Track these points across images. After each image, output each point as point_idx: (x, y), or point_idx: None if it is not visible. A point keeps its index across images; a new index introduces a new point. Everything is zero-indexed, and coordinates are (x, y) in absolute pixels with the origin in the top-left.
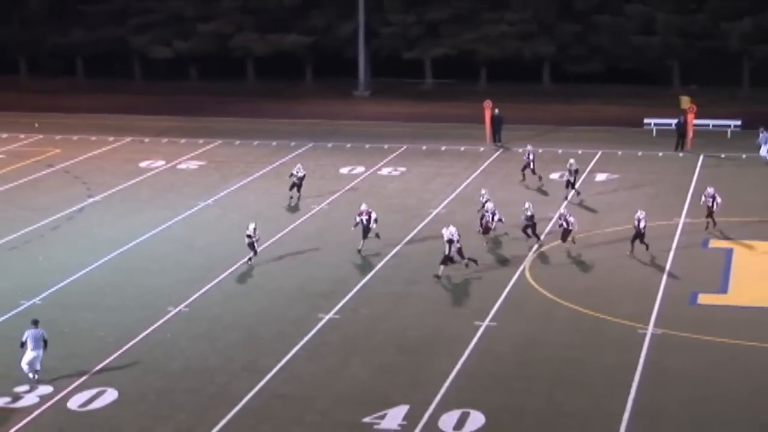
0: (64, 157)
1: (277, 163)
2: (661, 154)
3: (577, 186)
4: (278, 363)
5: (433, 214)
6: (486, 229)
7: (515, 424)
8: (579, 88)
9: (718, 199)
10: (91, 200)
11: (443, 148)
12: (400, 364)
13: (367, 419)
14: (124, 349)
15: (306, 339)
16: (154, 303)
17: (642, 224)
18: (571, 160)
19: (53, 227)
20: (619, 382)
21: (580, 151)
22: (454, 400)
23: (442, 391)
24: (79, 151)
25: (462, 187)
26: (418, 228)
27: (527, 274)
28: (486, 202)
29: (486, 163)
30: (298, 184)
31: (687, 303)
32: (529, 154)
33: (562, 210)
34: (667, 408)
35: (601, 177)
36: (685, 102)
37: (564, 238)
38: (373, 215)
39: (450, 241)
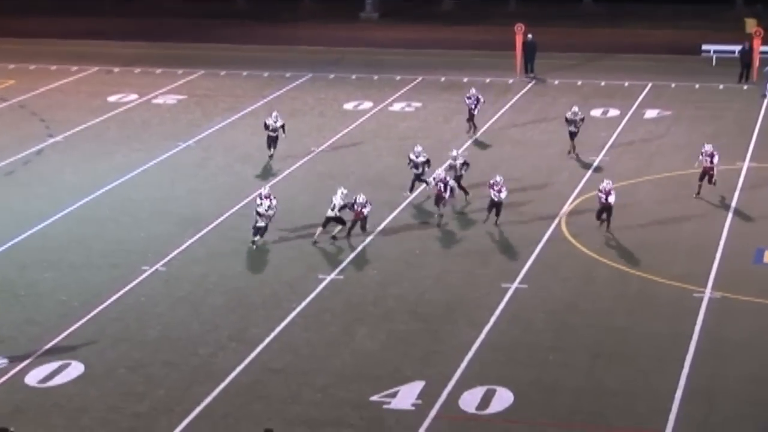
0: (19, 90)
1: (270, 97)
2: (721, 86)
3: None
4: (271, 332)
5: (455, 153)
6: (438, 198)
7: (548, 403)
8: (626, 8)
9: (716, 159)
10: (51, 140)
11: (465, 79)
12: (414, 333)
13: (375, 398)
14: (90, 315)
15: (304, 304)
16: (126, 261)
17: (714, 160)
18: (575, 108)
19: (7, 172)
20: (670, 355)
21: (626, 83)
22: (477, 375)
23: (463, 365)
24: (36, 82)
25: (487, 125)
26: (435, 173)
27: (563, 228)
28: (460, 165)
29: (516, 98)
30: (273, 138)
31: (751, 262)
32: (472, 99)
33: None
34: (727, 385)
35: (650, 114)
36: (751, 25)
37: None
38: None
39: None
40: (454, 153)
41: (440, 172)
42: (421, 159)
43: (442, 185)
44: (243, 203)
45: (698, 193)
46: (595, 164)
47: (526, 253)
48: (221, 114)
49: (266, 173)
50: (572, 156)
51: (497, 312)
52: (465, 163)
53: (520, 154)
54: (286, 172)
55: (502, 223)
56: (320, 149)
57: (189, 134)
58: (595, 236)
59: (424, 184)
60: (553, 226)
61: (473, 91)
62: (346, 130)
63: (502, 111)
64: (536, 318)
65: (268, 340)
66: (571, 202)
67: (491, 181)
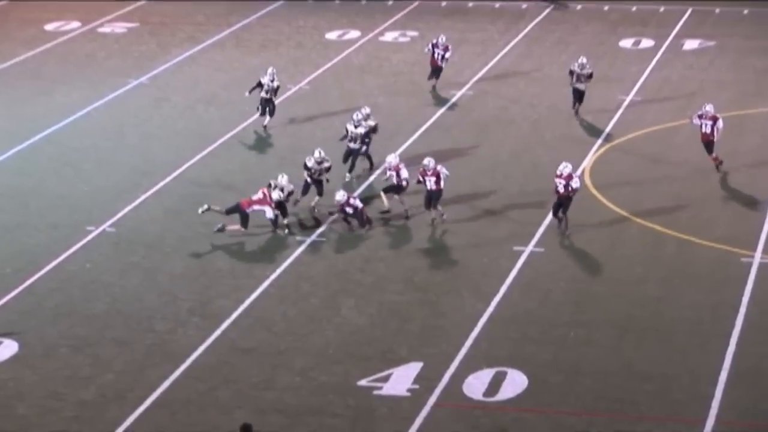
0: None
1: (237, 26)
2: None
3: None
4: (240, 304)
5: (456, 98)
6: (397, 188)
7: (568, 388)
8: None
9: (720, 124)
10: None
11: (470, 4)
12: (410, 306)
13: (363, 382)
14: (26, 284)
15: (279, 272)
16: (68, 220)
17: (718, 125)
18: (583, 59)
19: None
20: (713, 330)
21: (662, 8)
22: (484, 355)
23: (468, 343)
24: None
25: (497, 59)
26: (435, 118)
27: (587, 181)
28: (364, 132)
29: (530, 26)
30: (267, 101)
31: None
32: (435, 48)
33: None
34: None
35: (690, 45)
36: None
37: None
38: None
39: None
40: (364, 113)
41: (393, 158)
42: (361, 129)
43: (394, 174)
44: (206, 151)
45: (718, 168)
46: (625, 104)
47: (542, 211)
48: (180, 45)
49: (234, 117)
50: (577, 119)
51: (508, 280)
52: (373, 129)
53: (535, 92)
54: (257, 115)
55: (515, 181)
56: (297, 87)
57: (141, 70)
58: (625, 190)
59: (368, 164)
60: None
61: (443, 38)
62: (328, 65)
63: (514, 42)
64: (554, 287)
65: (236, 314)
66: (596, 150)
67: (422, 167)
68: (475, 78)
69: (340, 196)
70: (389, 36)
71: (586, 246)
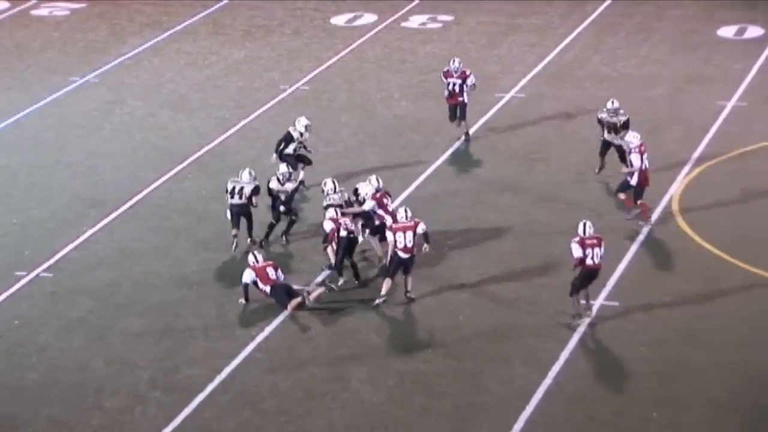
0: None
1: (215, 7)
2: None
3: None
4: (216, 374)
5: (503, 102)
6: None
7: None
8: None
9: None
10: None
11: None
12: (442, 377)
13: None
14: None
15: (269, 329)
16: None
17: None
18: (614, 102)
19: None
20: None
21: None
22: None
23: (519, 426)
24: None
25: (556, 51)
26: (475, 128)
27: (676, 212)
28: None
29: (601, 8)
30: (300, 157)
31: None
32: (449, 77)
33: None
34: None
35: None
36: None
37: None
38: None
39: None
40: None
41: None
42: (289, 186)
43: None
44: (173, 172)
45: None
46: (726, 112)
47: (617, 252)
48: (139, 33)
49: (208, 127)
50: (599, 175)
51: (571, 344)
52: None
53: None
54: (242, 123)
55: (576, 205)
56: (294, 88)
57: (88, 65)
58: (725, 225)
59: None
60: (660, 208)
61: (456, 63)
62: (334, 59)
63: (579, 29)
64: (632, 354)
65: (211, 387)
66: (688, 172)
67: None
68: (528, 76)
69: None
70: (415, 21)
71: (674, 299)
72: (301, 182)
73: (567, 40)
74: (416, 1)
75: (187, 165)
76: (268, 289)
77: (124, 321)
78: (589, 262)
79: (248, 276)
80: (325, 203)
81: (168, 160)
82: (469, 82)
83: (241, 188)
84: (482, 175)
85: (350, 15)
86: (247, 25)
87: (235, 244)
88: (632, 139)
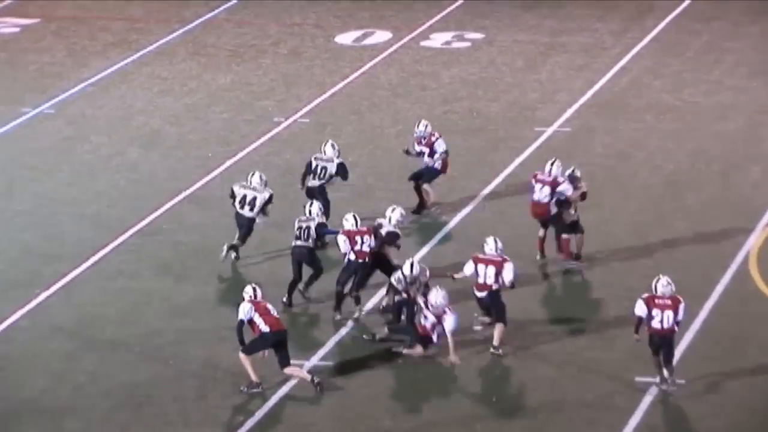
0: None
1: (195, 23)
2: None
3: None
4: None
5: (546, 136)
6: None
7: None
8: None
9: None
10: None
11: None
12: None
13: None
14: None
15: (259, 414)
16: None
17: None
18: (572, 170)
19: None
20: None
21: None
22: None
23: None
24: None
25: (609, 76)
26: (511, 168)
27: (754, 272)
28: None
29: (663, 24)
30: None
31: None
32: (421, 142)
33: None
34: None
35: None
36: None
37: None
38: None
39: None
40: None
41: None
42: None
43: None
44: (146, 222)
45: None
46: None
47: (683, 323)
48: (103, 54)
49: (188, 168)
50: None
51: (636, 416)
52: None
53: (671, 129)
54: (227, 164)
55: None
56: (291, 120)
57: (43, 93)
58: None
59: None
60: (734, 266)
61: (423, 126)
62: (340, 85)
63: (634, 51)
64: None
65: None
66: None
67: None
68: (575, 107)
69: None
70: (437, 39)
71: (751, 377)
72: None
73: (621, 63)
74: (439, 16)
75: (162, 214)
76: (268, 329)
77: (84, 403)
78: (655, 325)
79: (245, 311)
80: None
81: (139, 208)
82: (438, 150)
83: (254, 198)
84: (519, 224)
85: (359, 32)
86: (234, 45)
87: (227, 254)
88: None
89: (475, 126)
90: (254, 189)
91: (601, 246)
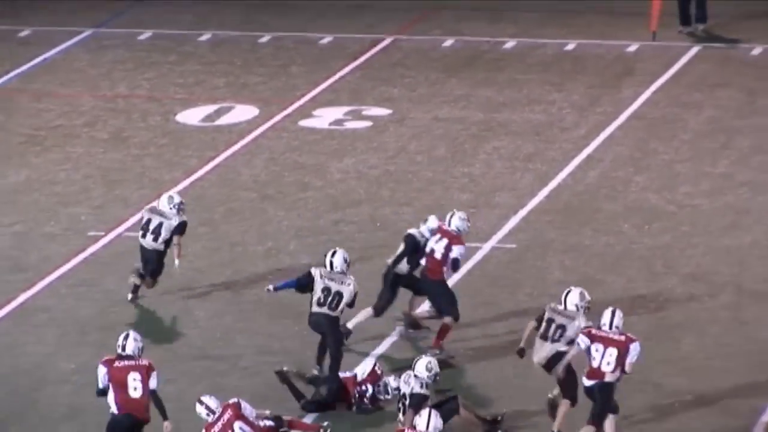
0: None
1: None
2: None
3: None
4: None
5: (480, 256)
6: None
7: None
8: None
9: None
10: None
11: (509, 43)
12: None
13: None
14: None
15: None
16: None
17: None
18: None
19: None
20: None
21: None
22: None
23: None
24: None
25: (569, 169)
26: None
27: None
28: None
29: (646, 94)
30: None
31: None
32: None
33: None
34: None
35: None
36: None
37: None
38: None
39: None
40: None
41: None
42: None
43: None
44: None
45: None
46: None
47: None
48: None
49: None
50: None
51: None
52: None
53: (663, 244)
54: (22, 299)
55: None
56: (113, 235)
57: None
58: None
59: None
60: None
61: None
62: (184, 183)
63: (608, 131)
64: None
65: None
66: None
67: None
68: (523, 212)
69: None
70: (324, 117)
71: None
72: None
73: (588, 150)
74: (325, 83)
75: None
76: (116, 410)
77: None
78: (593, 364)
79: (101, 377)
80: None
81: None
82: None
83: (159, 224)
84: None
85: (211, 108)
86: (31, 127)
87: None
88: None
89: (378, 241)
90: (161, 214)
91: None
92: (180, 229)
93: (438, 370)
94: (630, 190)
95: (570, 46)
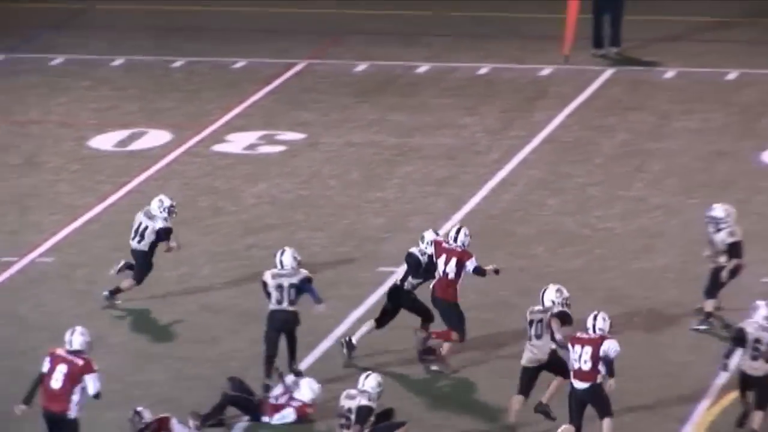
0: None
1: None
2: None
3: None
4: None
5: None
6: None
7: None
8: None
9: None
10: None
11: (422, 68)
12: None
13: None
14: None
15: None
16: None
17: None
18: (553, 293)
19: None
20: None
21: None
22: None
23: None
24: None
25: (483, 192)
26: (346, 325)
27: None
28: None
29: (560, 117)
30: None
31: None
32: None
33: None
34: None
35: None
36: None
37: None
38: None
39: None
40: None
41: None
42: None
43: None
44: None
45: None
46: None
47: None
48: None
49: None
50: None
51: None
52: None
53: (576, 268)
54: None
55: None
56: (26, 261)
57: None
58: None
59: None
60: None
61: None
62: (97, 209)
63: (521, 155)
64: None
65: None
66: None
67: None
68: (443, 231)
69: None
70: (237, 141)
71: None
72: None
73: (502, 174)
74: (239, 108)
75: None
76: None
77: None
78: (575, 366)
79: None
80: None
81: None
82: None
83: (146, 227)
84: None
85: (124, 133)
86: None
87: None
88: None
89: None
90: (149, 216)
91: None
92: (161, 235)
93: (382, 385)
94: (544, 214)
95: (483, 70)
